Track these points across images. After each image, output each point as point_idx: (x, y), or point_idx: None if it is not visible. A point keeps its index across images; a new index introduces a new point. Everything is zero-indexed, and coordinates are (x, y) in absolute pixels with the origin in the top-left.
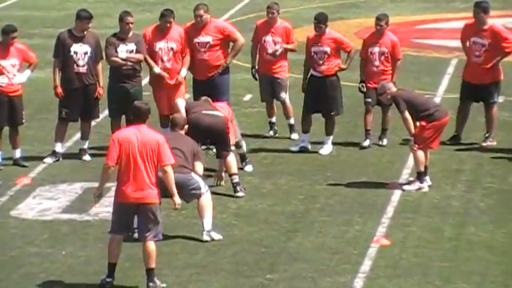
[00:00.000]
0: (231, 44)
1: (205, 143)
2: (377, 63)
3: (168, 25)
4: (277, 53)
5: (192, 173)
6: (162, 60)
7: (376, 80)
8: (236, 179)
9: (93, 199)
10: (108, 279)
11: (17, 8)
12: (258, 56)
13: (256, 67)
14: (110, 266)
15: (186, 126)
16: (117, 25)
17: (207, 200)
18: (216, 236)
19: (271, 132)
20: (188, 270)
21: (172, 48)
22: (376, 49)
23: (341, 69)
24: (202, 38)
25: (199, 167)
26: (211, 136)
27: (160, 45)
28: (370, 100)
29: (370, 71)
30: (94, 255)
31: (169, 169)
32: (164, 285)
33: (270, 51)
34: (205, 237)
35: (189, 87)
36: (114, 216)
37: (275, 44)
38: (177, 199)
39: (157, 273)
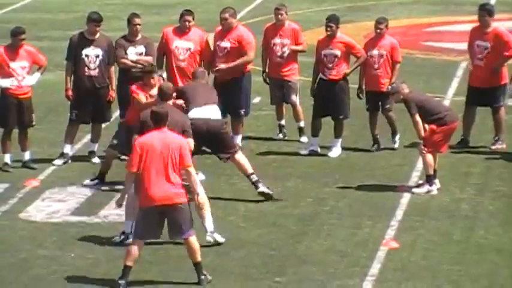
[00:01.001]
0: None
1: (203, 150)
2: (376, 66)
3: (188, 25)
4: (285, 54)
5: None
6: (178, 59)
7: (375, 83)
8: (255, 177)
9: (116, 206)
10: (121, 282)
11: (26, 11)
12: (268, 59)
13: (267, 71)
14: (126, 269)
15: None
16: (125, 27)
17: (203, 199)
18: (220, 238)
19: (280, 135)
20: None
21: (189, 49)
22: (375, 52)
23: (345, 74)
24: (224, 43)
25: (190, 143)
26: (211, 142)
27: (177, 44)
28: (368, 106)
29: (370, 74)
30: (102, 257)
31: (191, 169)
32: (210, 277)
33: (279, 53)
34: (209, 239)
35: None
36: (139, 221)
37: (283, 46)
38: (200, 198)
39: (165, 276)
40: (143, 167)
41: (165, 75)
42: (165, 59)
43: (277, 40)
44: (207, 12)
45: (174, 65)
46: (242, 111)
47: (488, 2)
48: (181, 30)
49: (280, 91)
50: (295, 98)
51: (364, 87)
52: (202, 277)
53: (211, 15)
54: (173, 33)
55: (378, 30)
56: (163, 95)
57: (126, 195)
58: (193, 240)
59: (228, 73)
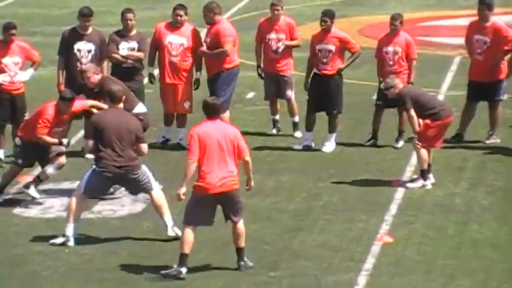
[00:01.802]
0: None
1: None
2: (391, 62)
3: (180, 20)
4: (279, 50)
5: (143, 166)
6: (171, 55)
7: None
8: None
9: (176, 197)
10: (183, 269)
11: (19, 6)
12: (262, 54)
13: (262, 65)
14: (184, 256)
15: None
16: (119, 23)
17: (159, 195)
18: (179, 231)
19: (274, 130)
20: (192, 268)
21: (182, 44)
22: (390, 49)
23: (339, 69)
24: (207, 38)
25: (144, 149)
26: None
27: (170, 39)
28: (380, 103)
29: (386, 71)
30: (97, 253)
31: (248, 159)
32: (252, 264)
33: (274, 48)
34: (171, 233)
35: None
36: (194, 208)
37: (279, 41)
38: (252, 183)
39: (161, 270)
40: (202, 156)
41: (156, 71)
42: (157, 55)
43: (272, 35)
44: (200, 8)
45: (167, 61)
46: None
47: None
48: (174, 25)
49: (274, 86)
50: (291, 93)
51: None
52: (242, 263)
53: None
54: (166, 28)
55: (393, 27)
56: (114, 98)
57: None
58: (242, 226)
59: (211, 68)
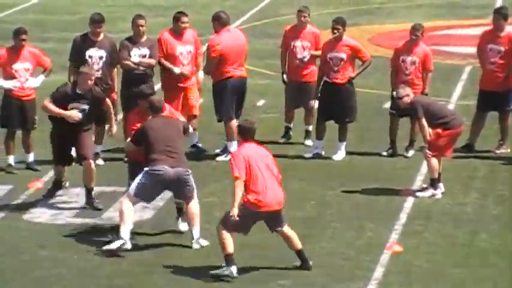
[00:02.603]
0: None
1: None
2: (407, 72)
3: (183, 27)
4: (305, 59)
5: (191, 174)
6: (183, 64)
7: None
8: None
9: (233, 218)
10: (234, 268)
11: (31, 12)
12: (287, 61)
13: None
14: (230, 256)
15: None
16: (130, 29)
17: (196, 206)
18: (204, 242)
19: (283, 139)
20: (200, 275)
21: (190, 51)
22: (409, 58)
23: (350, 78)
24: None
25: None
26: None
27: (180, 50)
28: (395, 112)
29: (401, 80)
30: (106, 259)
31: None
32: (311, 262)
33: (299, 56)
34: (196, 246)
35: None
36: (240, 219)
37: (304, 49)
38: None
39: (169, 278)
40: (249, 175)
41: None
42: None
43: (297, 43)
44: (210, 15)
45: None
46: (217, 117)
47: (503, 6)
48: (179, 33)
49: (296, 94)
50: (313, 103)
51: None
52: (308, 263)
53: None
54: (173, 38)
55: (414, 37)
56: (155, 110)
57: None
58: (288, 229)
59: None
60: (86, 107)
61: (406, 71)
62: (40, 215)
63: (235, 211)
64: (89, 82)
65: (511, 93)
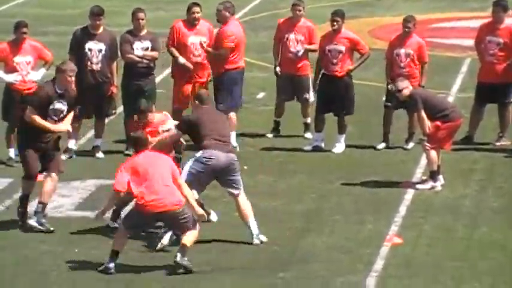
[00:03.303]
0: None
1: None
2: (402, 65)
3: (196, 18)
4: (300, 53)
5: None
6: (194, 55)
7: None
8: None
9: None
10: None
11: (31, 6)
12: (280, 54)
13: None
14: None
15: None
16: (129, 23)
17: (246, 199)
18: (263, 238)
19: (271, 135)
20: (200, 268)
21: (202, 43)
22: (402, 51)
23: (349, 71)
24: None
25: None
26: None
27: (192, 40)
28: (390, 104)
29: (396, 73)
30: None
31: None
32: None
33: (292, 49)
34: (256, 241)
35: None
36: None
37: (297, 42)
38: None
39: (169, 271)
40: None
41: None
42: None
43: (291, 36)
44: (212, 8)
45: (191, 61)
46: (220, 106)
47: None
48: (192, 24)
49: (290, 87)
50: (307, 95)
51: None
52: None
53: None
54: (185, 27)
55: (406, 29)
56: (203, 100)
57: None
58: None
59: (213, 68)
60: (65, 108)
61: (401, 63)
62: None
63: None
64: (69, 80)
65: (510, 85)
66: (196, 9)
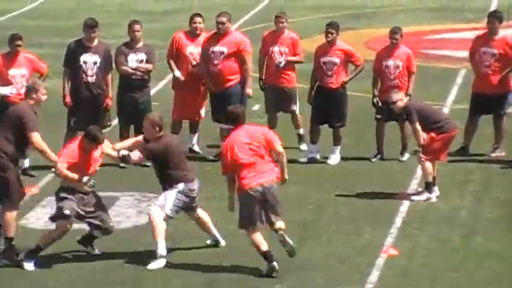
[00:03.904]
0: None
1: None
2: (392, 77)
3: (198, 28)
4: (281, 65)
5: None
6: (192, 65)
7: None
8: None
9: None
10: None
11: (27, 18)
12: (265, 67)
13: (263, 78)
14: (269, 253)
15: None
16: (125, 35)
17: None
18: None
19: None
20: (197, 279)
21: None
22: (391, 62)
23: (343, 82)
24: (219, 48)
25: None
26: None
27: (190, 50)
28: (380, 116)
29: (386, 85)
30: (103, 265)
31: None
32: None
33: (276, 62)
34: (223, 243)
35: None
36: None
37: (282, 54)
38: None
39: (165, 283)
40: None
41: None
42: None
43: (275, 48)
44: (207, 20)
45: (189, 71)
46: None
47: (497, 9)
48: (193, 35)
49: (276, 99)
50: (294, 107)
51: (377, 97)
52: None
53: (209, 22)
54: (186, 38)
55: (394, 41)
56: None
57: None
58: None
59: (224, 81)
60: None
61: (390, 75)
62: (35, 220)
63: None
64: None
65: (505, 96)
66: (198, 19)
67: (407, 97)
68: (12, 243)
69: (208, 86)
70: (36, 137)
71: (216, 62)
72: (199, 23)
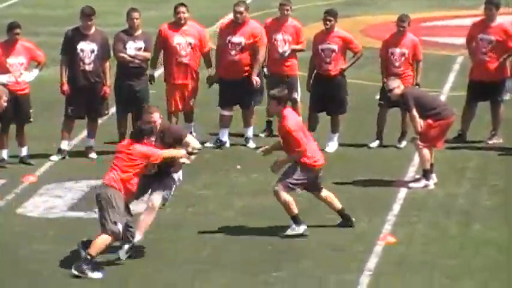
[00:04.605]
0: None
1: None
2: (397, 64)
3: (183, 19)
4: (286, 54)
5: None
6: (180, 55)
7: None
8: None
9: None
10: (303, 225)
11: (23, 6)
12: (268, 55)
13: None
14: (297, 216)
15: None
16: (122, 23)
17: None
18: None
19: (263, 134)
20: (194, 267)
21: (190, 44)
22: (397, 50)
23: (342, 70)
24: (237, 38)
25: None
26: None
27: (178, 40)
28: (383, 102)
29: (391, 72)
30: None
31: None
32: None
33: (280, 50)
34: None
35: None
36: (303, 177)
37: (285, 42)
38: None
39: (163, 269)
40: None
41: (157, 74)
42: (163, 56)
43: (279, 36)
44: (201, 9)
45: (176, 62)
46: (252, 103)
47: None
48: (178, 25)
49: (278, 87)
50: (296, 95)
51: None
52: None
53: (203, 11)
54: (170, 29)
55: (401, 28)
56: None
57: None
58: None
59: (240, 71)
60: None
61: (395, 63)
62: (33, 209)
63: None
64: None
65: (502, 83)
66: (182, 9)
67: (416, 86)
68: None
69: (216, 75)
70: None
71: (233, 52)
72: (183, 12)
